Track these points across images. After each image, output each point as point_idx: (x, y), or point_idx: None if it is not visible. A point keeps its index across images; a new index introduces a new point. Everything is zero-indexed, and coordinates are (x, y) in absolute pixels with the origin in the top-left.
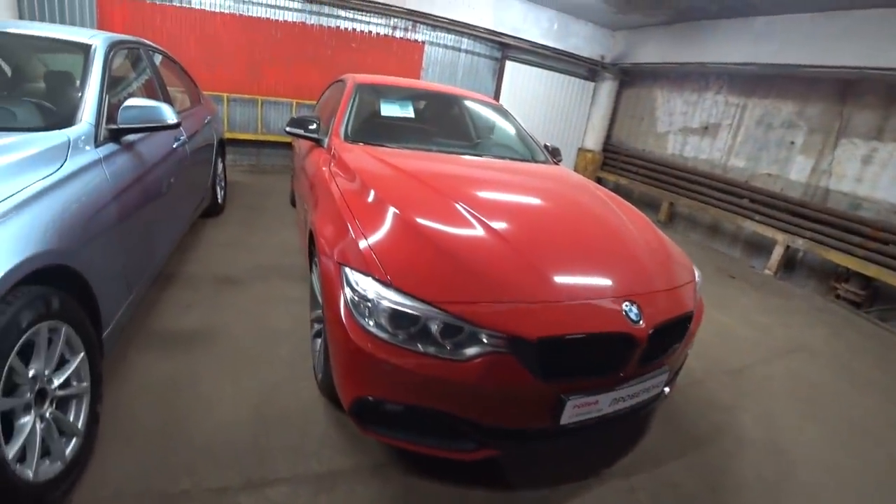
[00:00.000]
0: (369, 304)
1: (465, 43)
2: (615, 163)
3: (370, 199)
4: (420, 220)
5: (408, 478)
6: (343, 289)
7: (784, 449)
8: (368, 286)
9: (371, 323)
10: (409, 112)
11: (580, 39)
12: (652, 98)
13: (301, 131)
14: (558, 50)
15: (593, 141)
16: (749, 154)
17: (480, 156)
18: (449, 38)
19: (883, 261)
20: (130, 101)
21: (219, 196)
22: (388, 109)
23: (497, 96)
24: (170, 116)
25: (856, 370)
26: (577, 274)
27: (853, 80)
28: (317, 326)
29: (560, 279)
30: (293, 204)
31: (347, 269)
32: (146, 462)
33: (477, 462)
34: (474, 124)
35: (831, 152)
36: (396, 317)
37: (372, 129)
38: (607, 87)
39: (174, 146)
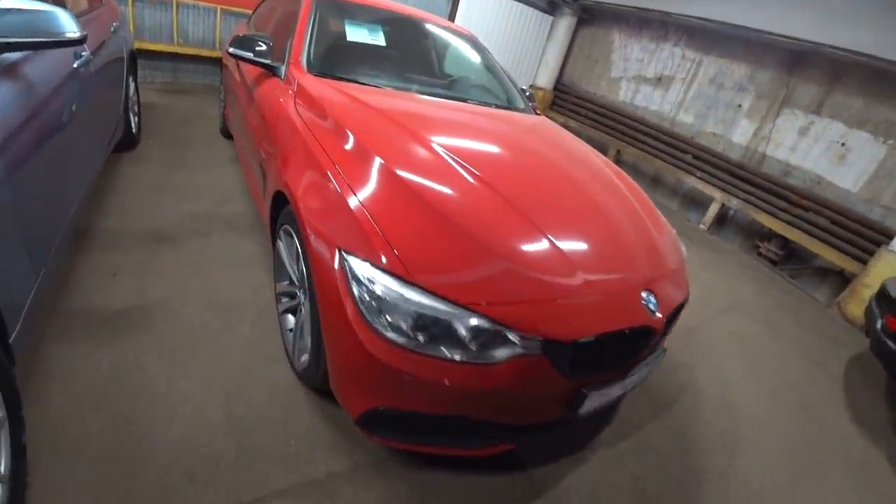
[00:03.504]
0: (384, 305)
1: None
2: (565, 103)
3: (350, 146)
4: (418, 180)
5: (411, 472)
6: (349, 284)
7: (732, 403)
8: (386, 284)
9: (387, 326)
10: (378, 39)
11: None
12: (609, 41)
13: (249, 55)
14: None
15: (545, 79)
16: (698, 111)
17: (462, 100)
18: None
19: (803, 226)
20: (6, 1)
21: (133, 124)
22: (355, 34)
23: (451, 20)
24: (69, 27)
25: (779, 326)
26: (597, 259)
27: (804, 51)
28: (286, 301)
29: (583, 265)
30: (225, 134)
31: (353, 260)
32: (101, 499)
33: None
34: (451, 60)
35: (773, 120)
36: (420, 320)
37: (337, 59)
38: (565, 23)
39: (75, 65)
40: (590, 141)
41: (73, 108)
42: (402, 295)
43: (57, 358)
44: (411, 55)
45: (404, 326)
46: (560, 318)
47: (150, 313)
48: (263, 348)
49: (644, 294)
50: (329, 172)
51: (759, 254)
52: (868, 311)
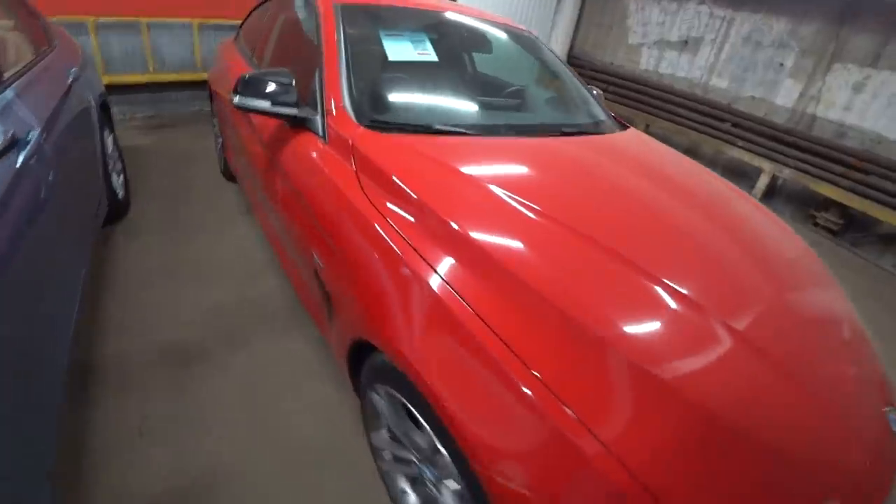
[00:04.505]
0: None
1: None
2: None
3: (508, 287)
4: (650, 343)
5: None
6: None
7: None
8: None
9: None
10: (427, 53)
11: None
12: (623, 4)
13: (266, 105)
14: None
15: (557, 52)
16: (734, 74)
17: (555, 128)
18: None
19: (864, 192)
20: None
21: (118, 187)
22: (397, 49)
23: None
24: None
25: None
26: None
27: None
28: (394, 461)
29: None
30: (227, 176)
31: None
32: None
33: None
34: (512, 66)
35: (822, 77)
36: None
37: (387, 92)
38: None
39: (18, 163)
40: None
41: (27, 219)
42: None
43: None
44: (470, 69)
45: None
46: None
47: (212, 493)
48: None
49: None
50: (490, 349)
51: (816, 224)
52: None
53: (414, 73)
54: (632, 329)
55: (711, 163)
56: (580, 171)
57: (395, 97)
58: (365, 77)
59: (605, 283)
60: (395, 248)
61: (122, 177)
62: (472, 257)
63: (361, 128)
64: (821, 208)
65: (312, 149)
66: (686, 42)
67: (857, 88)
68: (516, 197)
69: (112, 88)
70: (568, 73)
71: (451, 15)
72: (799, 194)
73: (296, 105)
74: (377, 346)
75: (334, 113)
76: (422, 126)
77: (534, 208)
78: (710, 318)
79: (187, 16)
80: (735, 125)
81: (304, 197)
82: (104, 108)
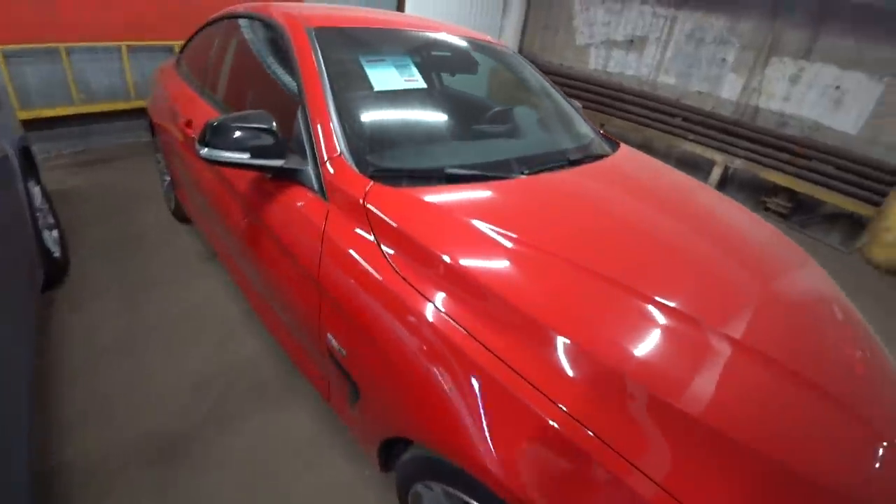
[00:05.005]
0: None
1: None
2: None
3: (594, 376)
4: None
5: None
6: None
7: None
8: None
9: None
10: (415, 78)
11: None
12: (568, 6)
13: (245, 157)
14: None
15: None
16: (680, 71)
17: (559, 155)
18: None
19: (808, 176)
20: None
21: (52, 245)
22: (383, 78)
23: (401, 5)
24: None
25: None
26: None
27: None
28: None
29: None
30: (180, 218)
31: None
32: None
33: None
34: (506, 93)
35: (762, 70)
36: None
37: (381, 132)
38: None
39: None
40: None
41: None
42: None
43: None
44: (461, 94)
45: None
46: None
47: None
48: None
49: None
50: (603, 462)
51: (767, 209)
52: None
53: (406, 104)
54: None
55: (665, 157)
56: (608, 215)
57: (396, 137)
58: (357, 115)
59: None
60: (454, 342)
61: (55, 232)
62: (559, 352)
63: (369, 182)
64: (771, 194)
65: (309, 207)
66: (632, 41)
67: (794, 80)
68: (591, 269)
69: (32, 124)
70: (555, 92)
71: (431, 33)
72: (750, 182)
73: (282, 155)
74: (435, 450)
75: (330, 164)
76: (432, 170)
77: (617, 286)
78: (738, 346)
79: (113, 39)
80: (685, 119)
81: (308, 268)
82: (26, 153)
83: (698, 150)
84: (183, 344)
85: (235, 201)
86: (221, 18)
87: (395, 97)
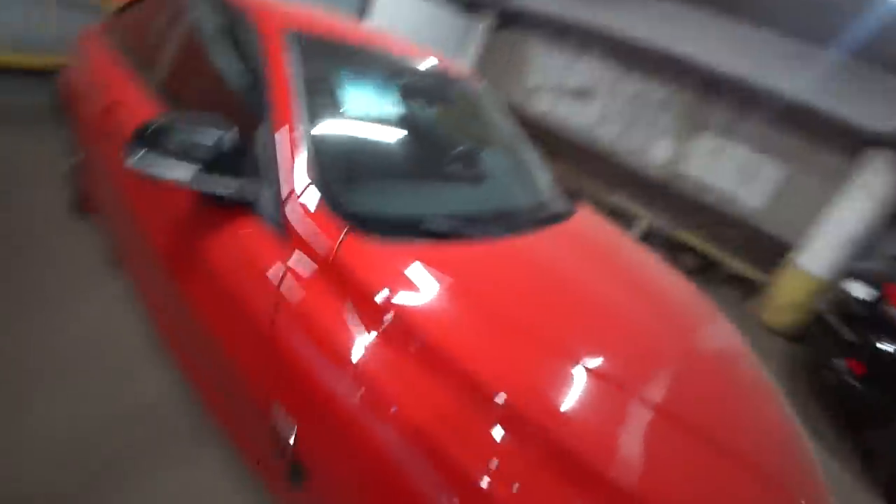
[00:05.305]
0: None
1: None
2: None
3: None
4: None
5: None
6: None
7: None
8: None
9: None
10: (401, 107)
11: None
12: (526, 48)
13: (186, 176)
14: None
15: None
16: (618, 127)
17: (537, 216)
18: None
19: (718, 240)
20: None
21: None
22: (366, 103)
23: (362, 16)
24: None
25: None
26: None
27: (716, 80)
28: None
29: None
30: (77, 210)
31: None
32: None
33: None
34: (483, 132)
35: (690, 140)
36: None
37: (371, 169)
38: (482, 28)
39: None
40: None
41: None
42: None
43: None
44: (444, 132)
45: None
46: None
47: None
48: None
49: None
50: None
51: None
52: (819, 345)
53: (390, 137)
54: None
55: (595, 207)
56: (566, 287)
57: (377, 175)
58: (335, 144)
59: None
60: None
61: None
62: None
63: (343, 227)
64: (682, 251)
65: (264, 246)
66: (581, 91)
67: (716, 153)
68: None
69: None
70: (521, 133)
71: (419, 59)
72: (666, 239)
73: (238, 177)
74: None
75: (296, 198)
76: (414, 220)
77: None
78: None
79: None
80: (618, 174)
81: (257, 321)
82: None
83: (626, 204)
84: (68, 382)
85: (163, 214)
86: None
87: (379, 128)
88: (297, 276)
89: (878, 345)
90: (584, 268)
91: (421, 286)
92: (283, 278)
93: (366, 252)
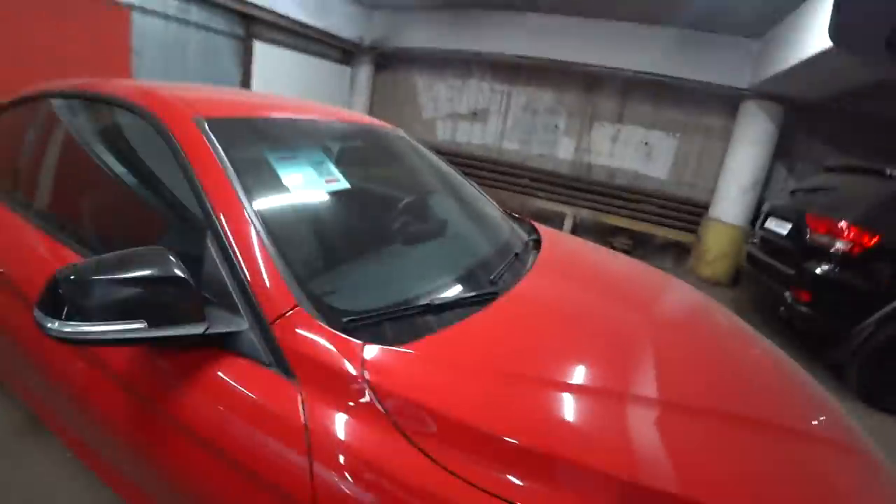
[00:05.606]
0: None
1: (195, 13)
2: None
3: None
4: None
5: None
6: None
7: None
8: None
9: None
10: (335, 177)
11: (339, 17)
12: (411, 84)
13: (137, 329)
14: (318, 29)
15: None
16: (520, 137)
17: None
18: (171, 5)
19: (640, 216)
20: None
21: None
22: (300, 181)
23: (245, 87)
24: None
25: None
26: None
27: (599, 75)
28: None
29: None
30: None
31: None
32: None
33: None
34: (422, 185)
35: (588, 133)
36: None
37: (337, 258)
38: (365, 72)
39: None
40: None
41: None
42: None
43: None
44: (386, 192)
45: None
46: None
47: None
48: None
49: None
50: None
51: (614, 247)
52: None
53: (339, 212)
54: None
55: (524, 215)
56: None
57: (358, 263)
58: (300, 239)
59: None
60: None
61: None
62: None
63: (357, 342)
64: (614, 234)
65: (266, 392)
66: (475, 113)
67: (614, 139)
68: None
69: None
70: (465, 179)
71: (333, 120)
72: (595, 227)
73: (201, 315)
74: None
75: (286, 321)
76: (417, 307)
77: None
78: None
79: None
80: (532, 179)
81: (287, 488)
82: None
83: (549, 205)
84: None
85: (103, 377)
86: (38, 97)
87: (333, 205)
88: (327, 420)
89: (817, 271)
90: (592, 298)
91: (482, 387)
92: (308, 427)
93: (399, 365)
